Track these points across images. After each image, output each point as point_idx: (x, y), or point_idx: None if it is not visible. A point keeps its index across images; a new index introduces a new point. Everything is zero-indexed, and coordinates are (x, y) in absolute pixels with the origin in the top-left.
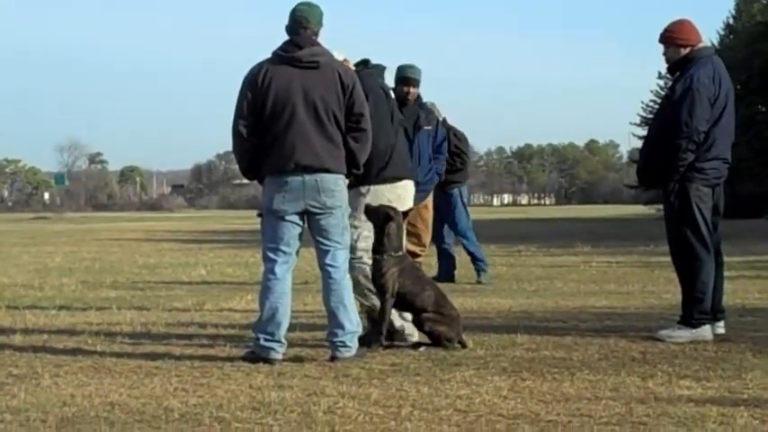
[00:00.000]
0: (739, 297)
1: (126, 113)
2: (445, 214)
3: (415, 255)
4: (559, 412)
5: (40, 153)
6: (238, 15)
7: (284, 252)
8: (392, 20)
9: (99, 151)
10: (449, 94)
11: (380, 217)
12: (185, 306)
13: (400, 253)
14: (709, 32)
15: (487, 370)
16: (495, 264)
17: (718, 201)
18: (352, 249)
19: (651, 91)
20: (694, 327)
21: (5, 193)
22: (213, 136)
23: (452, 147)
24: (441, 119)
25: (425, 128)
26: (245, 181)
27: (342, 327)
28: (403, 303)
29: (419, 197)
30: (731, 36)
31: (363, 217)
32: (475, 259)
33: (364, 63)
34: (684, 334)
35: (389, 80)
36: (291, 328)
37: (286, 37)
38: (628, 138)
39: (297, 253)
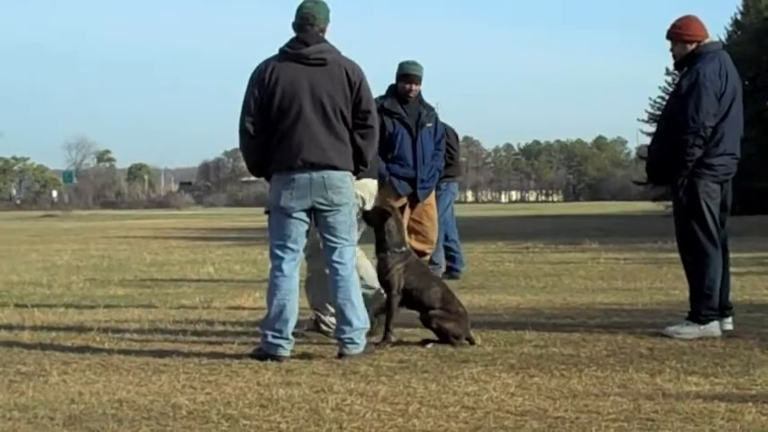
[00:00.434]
0: (747, 293)
1: (134, 111)
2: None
3: (422, 253)
4: (567, 409)
5: (48, 151)
6: (246, 12)
7: (291, 249)
8: (401, 15)
9: (107, 149)
10: (457, 90)
11: (377, 216)
12: (193, 303)
13: (404, 249)
14: (717, 28)
15: (495, 367)
16: (503, 260)
17: (726, 197)
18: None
19: (659, 87)
20: (702, 323)
21: (14, 192)
22: (221, 133)
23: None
24: None
25: (427, 125)
26: (253, 178)
27: (349, 323)
28: (409, 300)
29: (423, 194)
30: (739, 32)
31: None
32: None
33: None
34: (693, 330)
35: (390, 77)
36: (299, 324)
37: (293, 33)
38: (636, 134)
39: (304, 250)
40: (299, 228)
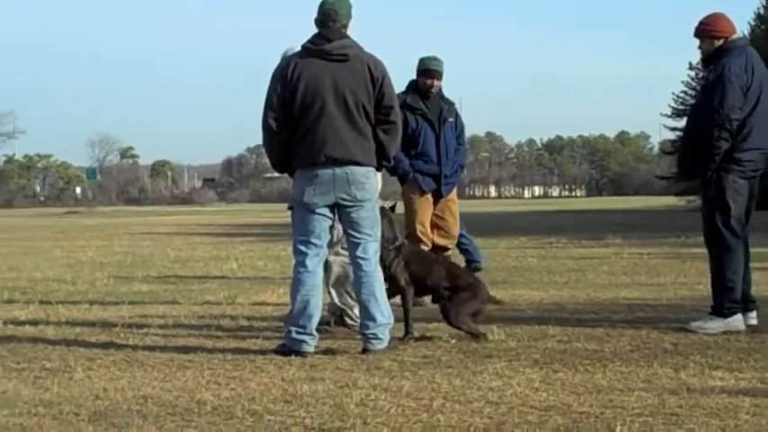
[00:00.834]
0: None
1: (157, 108)
2: None
3: (444, 248)
4: (591, 404)
5: (71, 148)
6: (268, 10)
7: (315, 245)
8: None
9: (130, 146)
10: (480, 86)
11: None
12: (217, 299)
13: (397, 243)
14: (741, 23)
15: (519, 362)
16: (527, 256)
17: (753, 192)
18: (330, 244)
19: (682, 82)
20: (726, 316)
21: (37, 188)
22: (244, 130)
23: None
24: None
25: (449, 120)
26: (276, 174)
27: (373, 319)
28: (418, 288)
29: (446, 190)
30: (762, 26)
31: None
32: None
33: None
34: (717, 324)
35: (410, 72)
36: (322, 319)
37: (315, 30)
38: (659, 129)
39: (328, 245)
40: (323, 223)
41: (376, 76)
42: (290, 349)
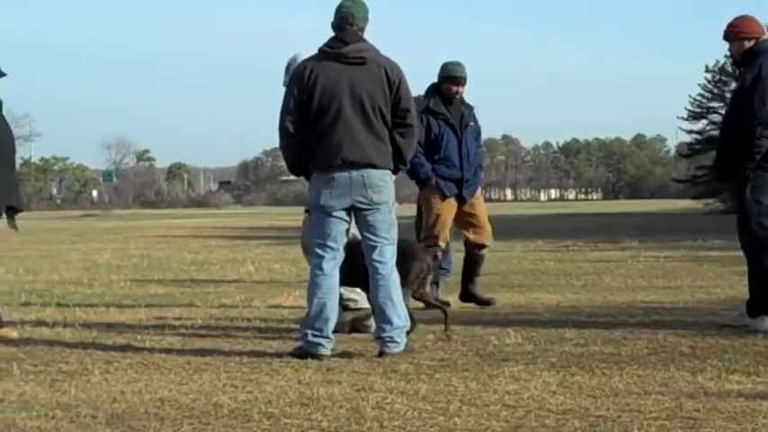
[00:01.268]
0: None
1: (173, 111)
2: None
3: (482, 246)
4: (609, 407)
5: (87, 151)
6: (284, 13)
7: (331, 248)
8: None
9: (146, 148)
10: (496, 89)
11: None
12: (233, 302)
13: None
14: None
15: (536, 365)
16: (543, 259)
17: None
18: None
19: (699, 84)
20: None
21: (54, 191)
22: (260, 133)
23: None
24: None
25: (470, 124)
26: (293, 177)
27: (390, 322)
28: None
29: (468, 193)
30: None
31: None
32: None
33: None
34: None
35: (423, 74)
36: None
37: (331, 33)
38: (675, 132)
39: (344, 248)
40: (339, 226)
41: (393, 80)
42: (306, 352)
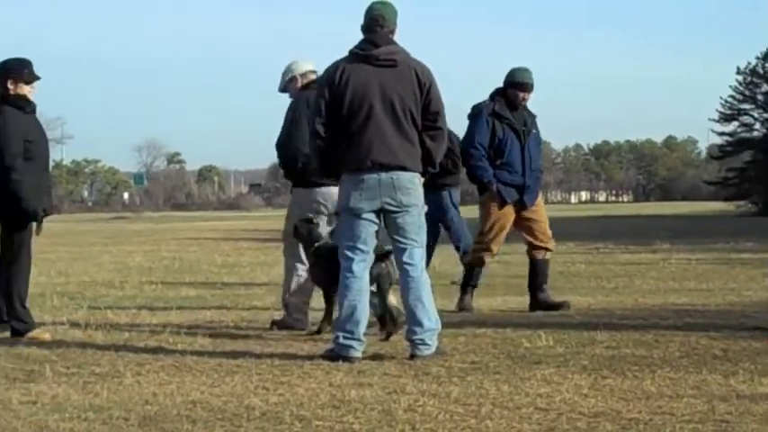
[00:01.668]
0: None
1: (204, 113)
2: (439, 217)
3: (546, 249)
4: (641, 410)
5: (119, 153)
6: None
7: (361, 250)
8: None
9: (177, 151)
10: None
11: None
12: (264, 305)
13: (316, 244)
14: None
15: (567, 368)
16: (574, 261)
17: None
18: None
19: (730, 86)
20: None
21: (85, 194)
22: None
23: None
24: None
25: (533, 131)
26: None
27: (420, 324)
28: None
29: (529, 199)
30: None
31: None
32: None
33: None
34: None
35: (451, 76)
36: (370, 325)
37: (360, 36)
38: (707, 134)
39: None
40: (369, 228)
41: (423, 82)
42: (337, 354)
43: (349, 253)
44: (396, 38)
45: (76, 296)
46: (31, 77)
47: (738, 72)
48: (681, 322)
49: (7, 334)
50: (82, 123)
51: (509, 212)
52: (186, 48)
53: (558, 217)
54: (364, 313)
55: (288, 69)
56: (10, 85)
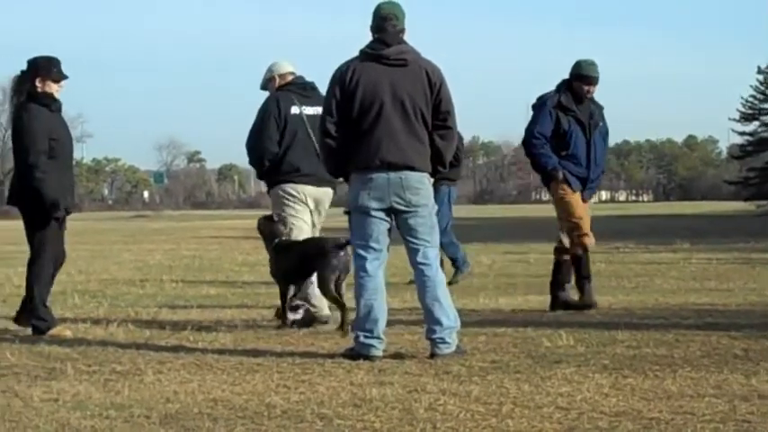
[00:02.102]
0: None
1: (224, 112)
2: None
3: (585, 248)
4: (662, 410)
5: (139, 152)
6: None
7: (374, 249)
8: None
9: (197, 150)
10: (548, 89)
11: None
12: None
13: (276, 241)
14: None
15: (588, 367)
16: (594, 261)
17: None
18: None
19: (751, 86)
20: None
21: (106, 192)
22: None
23: None
24: None
25: (600, 124)
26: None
27: (439, 323)
28: (298, 275)
29: (589, 194)
30: None
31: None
32: (452, 260)
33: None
34: None
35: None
36: (390, 324)
37: (369, 37)
38: (727, 133)
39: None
40: (380, 227)
41: (434, 81)
42: (358, 353)
43: (362, 252)
44: (406, 37)
45: (97, 294)
46: (59, 76)
47: (759, 71)
48: (702, 322)
49: (29, 332)
50: (102, 121)
51: (580, 198)
52: (208, 46)
53: None
54: (382, 311)
55: (268, 69)
56: (38, 83)
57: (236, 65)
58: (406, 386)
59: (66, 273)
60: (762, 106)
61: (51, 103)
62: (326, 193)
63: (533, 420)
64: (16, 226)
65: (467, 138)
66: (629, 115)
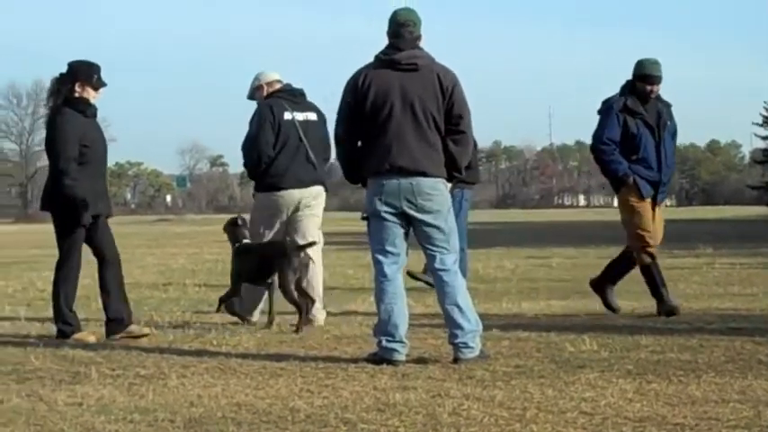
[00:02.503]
0: None
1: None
2: None
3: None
4: (686, 415)
5: (162, 156)
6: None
7: (391, 253)
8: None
9: (220, 154)
10: (570, 95)
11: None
12: None
13: (236, 244)
14: None
15: (612, 372)
16: None
17: None
18: None
19: None
20: None
21: (128, 196)
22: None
23: None
24: None
25: (668, 123)
26: None
27: (460, 327)
28: (257, 277)
29: (661, 198)
30: None
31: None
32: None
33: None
34: None
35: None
36: (413, 329)
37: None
38: (750, 138)
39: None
40: (396, 231)
41: (446, 85)
42: (381, 358)
43: (380, 256)
44: (422, 44)
45: None
46: (99, 83)
47: None
48: (725, 327)
49: (53, 335)
50: (125, 125)
51: (649, 205)
52: (230, 50)
53: (601, 221)
54: (402, 315)
55: (255, 78)
56: (77, 88)
57: (258, 68)
58: (430, 391)
59: (89, 277)
60: None
61: (86, 109)
62: (312, 191)
63: (557, 425)
64: (39, 229)
65: (488, 142)
66: None
